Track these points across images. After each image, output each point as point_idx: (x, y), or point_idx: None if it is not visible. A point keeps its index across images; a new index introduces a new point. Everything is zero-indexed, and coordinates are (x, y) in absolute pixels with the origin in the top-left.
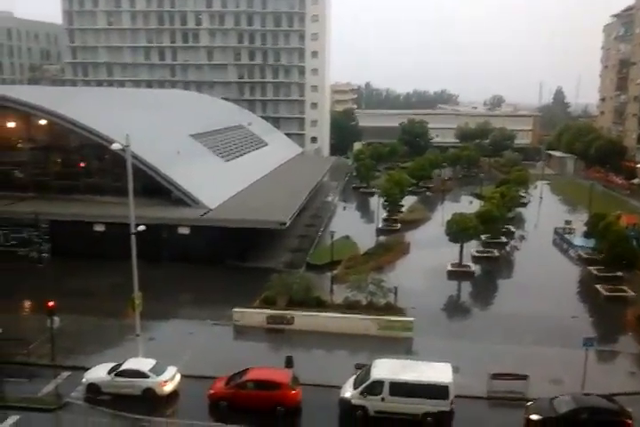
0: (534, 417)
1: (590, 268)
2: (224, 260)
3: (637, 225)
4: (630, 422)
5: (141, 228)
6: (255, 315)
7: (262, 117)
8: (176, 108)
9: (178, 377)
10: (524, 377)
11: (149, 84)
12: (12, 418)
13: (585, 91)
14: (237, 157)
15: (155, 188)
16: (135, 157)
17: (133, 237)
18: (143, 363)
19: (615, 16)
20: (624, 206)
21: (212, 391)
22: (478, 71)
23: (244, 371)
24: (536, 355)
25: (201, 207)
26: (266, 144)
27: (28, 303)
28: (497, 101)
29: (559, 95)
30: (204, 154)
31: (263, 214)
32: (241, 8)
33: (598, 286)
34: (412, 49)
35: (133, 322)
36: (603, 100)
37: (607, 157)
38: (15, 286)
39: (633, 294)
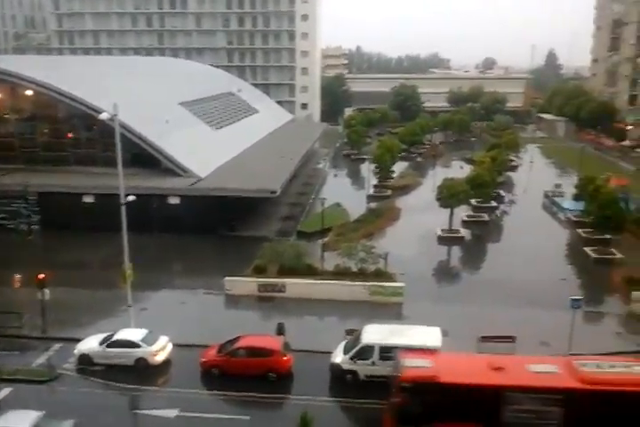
0: None
1: (579, 231)
2: (215, 229)
3: (626, 187)
4: None
5: (131, 198)
6: (247, 283)
7: (252, 84)
8: (165, 75)
9: (169, 346)
10: (512, 339)
11: (137, 52)
12: (5, 390)
13: (577, 53)
14: (227, 124)
15: (144, 158)
16: (124, 126)
17: (123, 208)
18: (135, 333)
19: None
20: (614, 169)
21: (203, 359)
22: (470, 35)
23: (236, 339)
24: (525, 317)
25: (191, 176)
26: (256, 111)
27: (18, 276)
28: (489, 64)
29: (551, 58)
30: (194, 122)
31: (254, 183)
32: None
33: (587, 249)
34: (404, 12)
35: (125, 293)
36: (595, 61)
37: (598, 120)
38: (5, 258)
39: (621, 256)
